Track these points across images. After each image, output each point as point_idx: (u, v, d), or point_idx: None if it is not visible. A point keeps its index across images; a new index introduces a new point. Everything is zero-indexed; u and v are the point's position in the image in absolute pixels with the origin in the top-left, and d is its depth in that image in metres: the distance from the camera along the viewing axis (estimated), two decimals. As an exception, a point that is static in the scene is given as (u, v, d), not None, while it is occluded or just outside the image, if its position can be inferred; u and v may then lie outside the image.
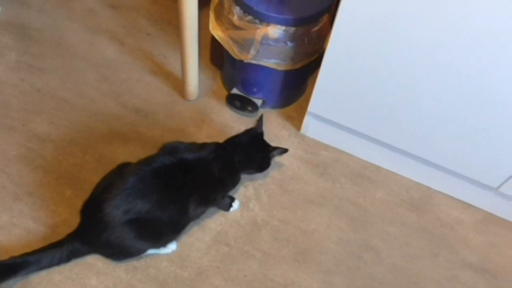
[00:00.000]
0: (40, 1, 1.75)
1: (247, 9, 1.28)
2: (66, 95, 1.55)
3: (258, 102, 1.52)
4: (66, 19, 1.73)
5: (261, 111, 1.58)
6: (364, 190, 1.46)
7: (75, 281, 1.19)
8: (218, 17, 1.37)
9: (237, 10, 1.29)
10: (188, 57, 1.39)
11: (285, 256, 1.29)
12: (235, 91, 1.52)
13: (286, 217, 1.37)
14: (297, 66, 1.39)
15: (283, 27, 1.28)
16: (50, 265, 1.15)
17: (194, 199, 1.16)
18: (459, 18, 1.01)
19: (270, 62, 1.36)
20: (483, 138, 1.23)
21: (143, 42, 1.71)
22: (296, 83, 1.55)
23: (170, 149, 1.17)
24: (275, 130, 1.55)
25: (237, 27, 1.30)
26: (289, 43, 1.31)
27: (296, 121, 1.57)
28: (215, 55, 1.63)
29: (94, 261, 1.21)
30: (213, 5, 1.39)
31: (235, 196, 1.38)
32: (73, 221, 1.17)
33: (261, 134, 1.30)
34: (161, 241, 1.21)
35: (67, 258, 1.16)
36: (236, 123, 1.54)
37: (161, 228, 1.14)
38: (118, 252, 1.17)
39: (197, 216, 1.25)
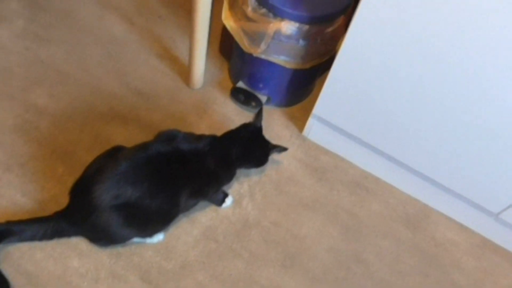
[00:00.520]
0: (53, -30, 1.74)
1: (262, 2, 1.26)
2: (69, 68, 1.54)
3: (263, 98, 1.51)
4: (78, -10, 1.71)
5: (265, 107, 1.56)
6: (360, 200, 1.45)
7: (56, 260, 1.18)
8: (232, 6, 1.35)
9: (252, 1, 1.28)
10: (197, 44, 1.38)
11: (273, 259, 1.29)
12: (240, 84, 1.51)
13: (278, 219, 1.36)
14: (307, 65, 1.37)
15: (297, 24, 1.26)
16: (31, 238, 1.15)
17: (186, 191, 1.15)
18: (478, 36, 0.99)
19: (280, 59, 1.34)
20: (488, 162, 1.22)
21: (153, 24, 1.70)
22: (304, 83, 1.54)
23: (166, 136, 1.17)
24: (277, 129, 1.54)
25: (250, 19, 1.29)
26: (301, 41, 1.30)
27: (300, 122, 1.56)
28: (225, 45, 1.62)
29: (78, 242, 1.21)
30: (228, -7, 1.37)
31: (229, 192, 1.37)
32: (62, 198, 1.17)
33: (260, 128, 1.28)
34: (148, 231, 1.20)
35: (51, 236, 1.16)
36: (238, 116, 1.54)
37: (150, 217, 1.13)
38: (103, 237, 1.17)
39: (187, 209, 1.24)
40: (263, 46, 1.30)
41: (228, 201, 1.34)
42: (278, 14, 1.26)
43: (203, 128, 1.47)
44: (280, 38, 1.29)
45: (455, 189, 1.37)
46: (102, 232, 1.13)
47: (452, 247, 1.41)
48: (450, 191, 1.38)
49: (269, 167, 1.44)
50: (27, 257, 1.17)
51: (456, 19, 0.99)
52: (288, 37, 1.28)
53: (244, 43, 1.33)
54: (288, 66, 1.37)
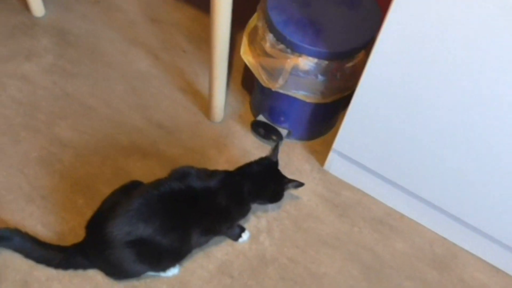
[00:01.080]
0: (83, 8, 1.84)
1: (280, 37, 1.30)
2: (93, 102, 1.62)
3: (284, 132, 1.52)
4: (105, 27, 1.81)
5: (285, 141, 1.58)
6: (384, 238, 1.43)
7: (72, 292, 1.23)
8: (251, 42, 1.40)
9: (270, 37, 1.32)
10: (216, 79, 1.42)
11: (289, 298, 1.30)
12: (261, 118, 1.53)
13: (296, 256, 1.36)
14: (327, 100, 1.39)
15: (315, 60, 1.29)
16: (43, 261, 1.20)
17: (197, 229, 1.18)
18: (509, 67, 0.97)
19: (299, 94, 1.37)
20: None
21: (177, 58, 1.77)
22: (325, 117, 1.55)
23: (180, 174, 1.19)
24: (297, 163, 1.55)
25: (268, 55, 1.33)
26: (320, 77, 1.32)
27: (321, 156, 1.56)
28: (246, 79, 1.66)
29: (94, 274, 1.25)
30: (247, 29, 1.42)
31: (245, 226, 1.38)
32: (81, 230, 1.22)
33: (276, 163, 1.28)
34: (161, 266, 1.24)
35: (66, 266, 1.21)
36: (257, 150, 1.55)
37: (161, 254, 1.16)
38: (117, 271, 1.21)
39: (199, 245, 1.27)
40: (281, 81, 1.34)
41: (245, 236, 1.36)
42: (296, 49, 1.29)
43: (222, 162, 1.50)
44: (298, 73, 1.32)
45: (484, 230, 1.34)
46: (116, 267, 1.17)
47: (482, 290, 1.39)
48: (479, 230, 1.36)
49: (287, 202, 1.45)
50: (45, 288, 1.23)
51: (484, 48, 0.96)
52: (306, 72, 1.31)
53: (263, 78, 1.37)
54: (308, 100, 1.39)
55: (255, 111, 1.60)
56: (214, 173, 1.22)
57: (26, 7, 1.76)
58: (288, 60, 1.30)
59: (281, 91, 1.37)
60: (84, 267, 1.23)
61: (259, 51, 1.37)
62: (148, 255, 1.14)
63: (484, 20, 0.92)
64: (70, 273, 1.24)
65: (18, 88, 1.59)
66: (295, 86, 1.36)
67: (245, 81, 1.72)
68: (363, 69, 1.19)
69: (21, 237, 1.19)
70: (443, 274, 1.38)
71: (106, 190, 1.26)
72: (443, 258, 1.41)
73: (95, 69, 1.71)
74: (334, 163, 1.50)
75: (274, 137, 1.54)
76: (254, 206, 1.32)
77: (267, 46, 1.33)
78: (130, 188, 1.19)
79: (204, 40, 1.83)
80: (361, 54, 1.35)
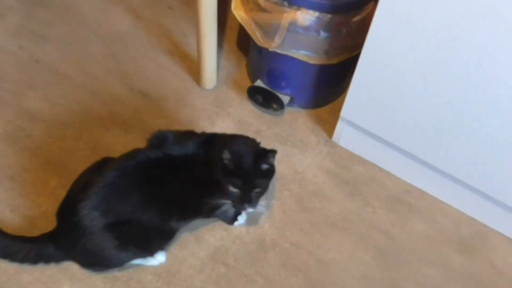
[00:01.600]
0: (54, -39, 1.81)
1: (276, -12, 1.27)
2: (67, 69, 1.60)
3: (285, 99, 1.52)
4: (80, -18, 1.78)
5: (288, 109, 1.57)
6: (401, 218, 1.42)
7: (45, 284, 1.22)
8: (243, -6, 1.38)
9: (264, -13, 1.29)
10: (205, 37, 1.40)
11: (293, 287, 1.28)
12: (259, 83, 1.53)
13: (300, 240, 1.36)
14: (333, 61, 1.37)
15: (316, 13, 1.26)
16: (9, 257, 1.18)
17: (181, 202, 1.17)
18: None
19: (299, 54, 1.35)
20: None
21: (162, 17, 1.75)
22: (332, 81, 1.54)
23: (158, 140, 1.19)
24: (302, 134, 1.54)
25: (262, 9, 1.30)
26: (322, 33, 1.30)
27: (329, 125, 1.56)
28: (242, 39, 1.65)
29: (70, 264, 1.23)
30: (239, -21, 1.39)
31: None
32: (54, 215, 1.21)
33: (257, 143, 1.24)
34: (148, 250, 1.22)
35: (34, 260, 1.19)
36: (256, 120, 1.54)
37: (146, 234, 1.15)
38: (97, 262, 1.19)
39: (186, 221, 1.26)
40: (278, 39, 1.31)
41: (241, 219, 1.34)
42: (293, 2, 1.27)
43: (215, 134, 1.49)
44: (297, 30, 1.30)
45: (519, 208, 1.32)
46: (95, 257, 1.15)
47: (516, 276, 1.36)
48: (512, 208, 1.34)
49: (290, 179, 1.43)
50: (13, 281, 1.21)
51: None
52: (306, 28, 1.29)
53: (257, 36, 1.35)
54: (311, 61, 1.37)
55: (253, 75, 1.60)
56: (194, 136, 1.21)
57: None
58: (285, 15, 1.27)
59: (279, 51, 1.35)
60: (57, 259, 1.21)
61: (252, 5, 1.35)
62: (130, 238, 1.13)
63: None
64: (41, 264, 1.23)
65: (-21, 54, 1.59)
66: (294, 45, 1.34)
67: (240, 41, 1.70)
68: (373, 23, 1.17)
69: None
70: (471, 258, 1.37)
71: (82, 169, 1.24)
72: (471, 241, 1.40)
73: (68, 31, 1.69)
74: (343, 134, 1.49)
75: (274, 105, 1.54)
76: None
77: (261, -2, 1.30)
78: (103, 165, 1.17)
79: (193, -6, 1.81)
80: (370, 6, 1.33)
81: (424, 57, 1.15)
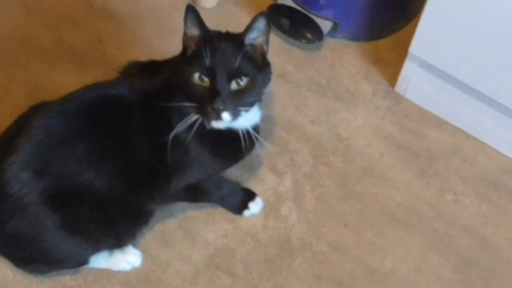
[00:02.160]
0: None
1: None
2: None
3: (325, 25, 1.42)
4: None
5: (328, 41, 1.46)
6: (498, 211, 1.33)
7: None
8: None
9: None
10: None
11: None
12: (285, 0, 1.44)
13: (343, 242, 1.28)
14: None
15: None
16: None
17: (149, 160, 1.10)
18: None
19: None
20: None
21: None
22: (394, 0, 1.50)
23: (126, 73, 1.19)
24: (349, 80, 1.45)
25: None
26: None
27: (391, 68, 1.47)
28: None
29: (2, 269, 1.18)
30: None
31: (256, 189, 1.29)
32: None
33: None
34: (110, 237, 1.14)
35: None
36: (279, 57, 1.44)
37: (107, 210, 1.09)
38: (35, 255, 1.12)
39: (160, 196, 1.16)
40: None
41: (255, 206, 1.25)
42: None
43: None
44: None
45: None
46: (31, 246, 1.09)
47: None
48: None
49: (330, 148, 1.35)
50: None
51: None
52: None
53: None
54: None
55: (274, -12, 1.54)
56: (164, 66, 1.16)
57: None
58: None
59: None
60: None
61: None
62: (81, 215, 1.06)
63: None
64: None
65: None
66: None
67: None
68: None
69: None
70: None
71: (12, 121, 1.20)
72: None
73: None
74: (413, 81, 1.42)
75: (308, 35, 1.45)
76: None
77: None
78: (39, 111, 1.11)
79: None
80: None
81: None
